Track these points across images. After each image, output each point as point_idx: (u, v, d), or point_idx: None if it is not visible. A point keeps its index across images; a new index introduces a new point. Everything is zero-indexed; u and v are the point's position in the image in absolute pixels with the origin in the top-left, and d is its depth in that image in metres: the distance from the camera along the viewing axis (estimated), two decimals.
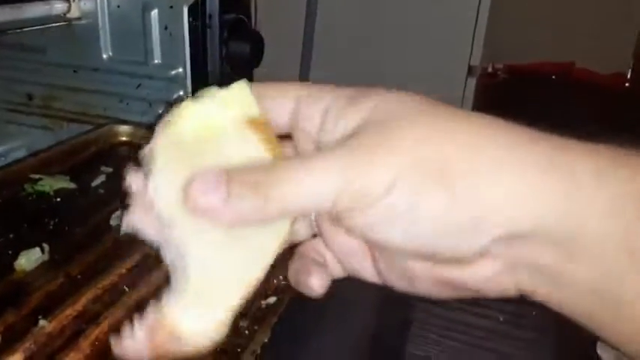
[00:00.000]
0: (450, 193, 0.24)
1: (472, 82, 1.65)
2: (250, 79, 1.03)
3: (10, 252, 0.60)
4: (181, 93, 0.91)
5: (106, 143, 0.89)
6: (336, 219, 0.27)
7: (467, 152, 0.25)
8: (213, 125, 0.29)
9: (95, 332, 0.51)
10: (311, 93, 0.29)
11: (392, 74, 1.64)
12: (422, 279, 0.28)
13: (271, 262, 0.29)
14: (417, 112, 0.26)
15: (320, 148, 0.29)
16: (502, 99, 2.88)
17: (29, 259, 0.58)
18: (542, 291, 0.26)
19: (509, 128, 0.26)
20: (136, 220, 0.29)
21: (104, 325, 0.52)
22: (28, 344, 0.49)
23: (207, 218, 0.27)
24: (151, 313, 0.28)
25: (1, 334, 0.50)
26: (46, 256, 0.60)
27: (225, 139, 0.29)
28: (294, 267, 0.32)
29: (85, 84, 0.97)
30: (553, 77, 3.57)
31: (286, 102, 0.30)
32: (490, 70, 3.30)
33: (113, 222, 0.67)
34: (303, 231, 0.32)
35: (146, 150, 0.29)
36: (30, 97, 1.03)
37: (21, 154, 1.03)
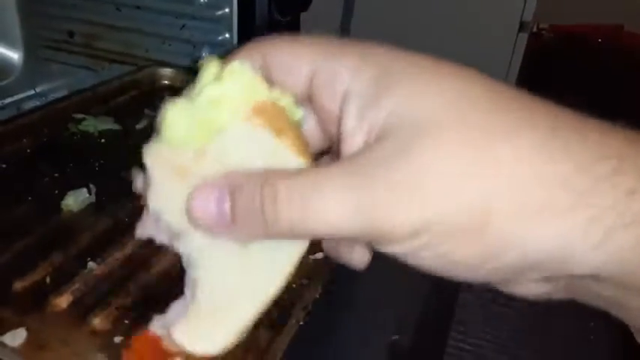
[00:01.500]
0: (487, 244, 0.21)
1: (523, 38, 1.57)
2: (297, 23, 0.98)
3: (56, 191, 0.58)
4: (227, 35, 0.87)
5: (148, 86, 0.87)
6: None
7: (511, 191, 0.20)
8: (212, 120, 0.24)
9: (144, 277, 0.49)
10: (327, 62, 0.25)
11: (441, 24, 1.58)
12: None
13: (291, 273, 0.26)
14: (452, 120, 0.21)
15: (342, 140, 0.24)
16: (547, 60, 2.77)
17: (76, 200, 0.57)
18: (603, 306, 0.23)
19: (572, 142, 0.21)
20: (147, 229, 0.27)
21: (153, 270, 0.50)
22: (77, 286, 0.48)
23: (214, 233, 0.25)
24: (158, 328, 0.27)
25: (49, 275, 0.49)
26: (92, 198, 0.58)
27: (229, 136, 0.24)
28: (328, 242, 0.28)
29: (128, 22, 0.94)
30: (599, 40, 3.42)
31: (300, 69, 0.25)
32: (535, 29, 3.17)
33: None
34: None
35: (145, 158, 0.25)
36: (71, 34, 1.00)
37: (62, 93, 1.02)
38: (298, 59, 0.25)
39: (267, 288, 0.26)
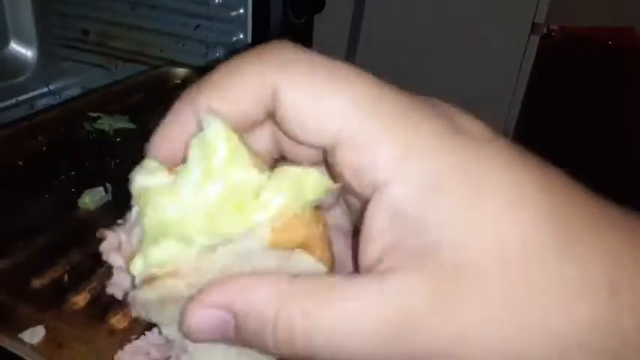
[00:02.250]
0: None
1: (535, 40, 1.56)
2: (311, 24, 0.98)
3: (72, 190, 0.59)
4: (241, 36, 0.87)
5: (162, 85, 0.87)
6: None
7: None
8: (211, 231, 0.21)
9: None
10: (359, 135, 0.20)
11: (451, 26, 1.57)
12: None
13: None
14: (505, 274, 0.19)
15: (364, 237, 0.21)
16: (557, 62, 2.75)
17: (93, 198, 0.57)
18: None
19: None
20: (119, 291, 0.25)
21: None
22: (95, 284, 0.48)
23: None
24: None
25: (67, 272, 0.49)
26: (109, 196, 0.59)
27: (235, 249, 0.21)
28: None
29: (142, 22, 0.94)
30: (609, 43, 3.40)
31: (322, 131, 0.21)
32: (545, 31, 3.15)
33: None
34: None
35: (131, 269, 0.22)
36: (85, 32, 1.00)
37: (75, 92, 1.02)
38: (324, 118, 0.21)
39: None
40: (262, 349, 0.21)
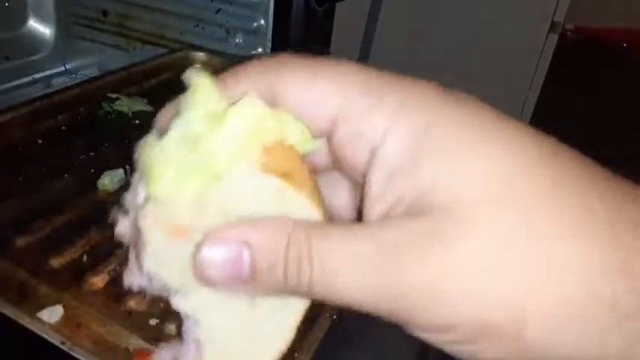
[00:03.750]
0: (519, 349, 0.20)
1: (553, 38, 1.54)
2: (332, 12, 0.97)
3: (92, 170, 0.59)
4: (262, 22, 0.86)
5: (181, 69, 0.86)
6: None
7: (553, 303, 0.19)
8: (210, 165, 0.22)
9: None
10: (354, 112, 0.22)
11: (470, 20, 1.55)
12: None
13: (297, 326, 0.24)
14: (498, 206, 0.19)
15: (366, 200, 0.22)
16: (573, 62, 2.73)
17: (112, 180, 0.57)
18: None
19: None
20: (137, 278, 0.24)
21: None
22: (113, 266, 0.48)
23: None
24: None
25: (86, 253, 0.49)
26: (128, 178, 0.58)
27: (232, 182, 0.22)
28: None
29: (163, 4, 0.94)
30: (624, 45, 3.38)
31: (320, 112, 0.22)
32: (560, 30, 3.14)
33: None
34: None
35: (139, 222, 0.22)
36: (105, 13, 1.00)
37: (92, 72, 1.02)
38: (319, 102, 0.22)
39: (274, 342, 0.24)
40: (274, 286, 0.21)
